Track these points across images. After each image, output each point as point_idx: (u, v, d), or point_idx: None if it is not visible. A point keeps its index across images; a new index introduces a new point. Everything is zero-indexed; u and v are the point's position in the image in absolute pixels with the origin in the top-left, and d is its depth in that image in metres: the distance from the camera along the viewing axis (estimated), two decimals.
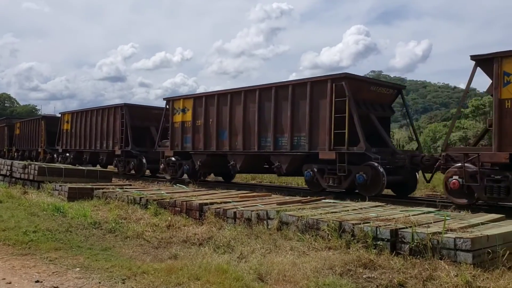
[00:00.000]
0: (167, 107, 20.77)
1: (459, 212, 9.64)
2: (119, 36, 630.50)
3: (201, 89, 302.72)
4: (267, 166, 17.78)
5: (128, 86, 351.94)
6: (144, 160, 22.66)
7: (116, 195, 11.96)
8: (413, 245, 6.25)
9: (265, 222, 8.28)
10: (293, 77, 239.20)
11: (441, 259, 5.95)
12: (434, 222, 7.32)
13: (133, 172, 23.32)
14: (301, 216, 7.77)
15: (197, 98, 19.18)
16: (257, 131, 16.33)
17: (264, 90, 16.34)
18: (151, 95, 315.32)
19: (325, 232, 7.13)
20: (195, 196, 11.41)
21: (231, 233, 7.89)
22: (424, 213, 8.52)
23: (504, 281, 5.31)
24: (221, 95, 18.05)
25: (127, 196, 11.59)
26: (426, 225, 7.02)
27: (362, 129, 13.65)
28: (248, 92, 16.93)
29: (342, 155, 13.87)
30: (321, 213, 8.12)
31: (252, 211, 8.71)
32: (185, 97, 19.97)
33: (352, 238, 6.79)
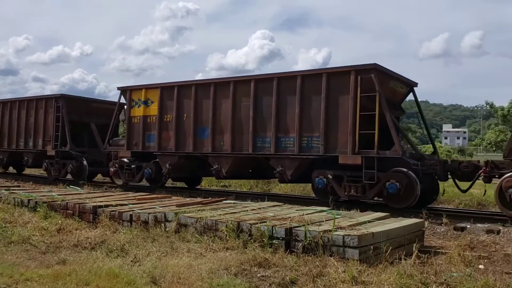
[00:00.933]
0: (122, 98, 17.33)
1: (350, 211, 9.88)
2: (11, 27, 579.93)
3: (101, 86, 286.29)
4: (251, 171, 15.35)
5: (21, 81, 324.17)
6: (85, 162, 18.87)
7: (0, 197, 11.41)
8: (306, 243, 6.53)
9: (163, 224, 8.20)
10: (199, 77, 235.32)
11: (331, 256, 6.26)
12: (326, 220, 7.55)
13: (70, 176, 19.39)
14: (200, 217, 7.81)
15: (166, 89, 16.03)
16: (251, 129, 13.72)
17: (262, 82, 13.79)
18: (47, 91, 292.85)
19: (224, 233, 7.22)
20: (89, 198, 10.84)
21: (126, 236, 7.77)
22: (317, 212, 8.81)
23: (386, 275, 5.60)
24: (200, 86, 15.16)
25: (14, 198, 11.10)
26: (318, 223, 7.27)
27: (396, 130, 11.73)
28: (239, 83, 14.27)
29: (371, 160, 11.80)
30: (220, 214, 8.19)
31: (149, 213, 8.58)
32: (149, 87, 16.67)
33: (249, 238, 6.95)
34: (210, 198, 11.46)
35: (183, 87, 15.54)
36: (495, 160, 11.45)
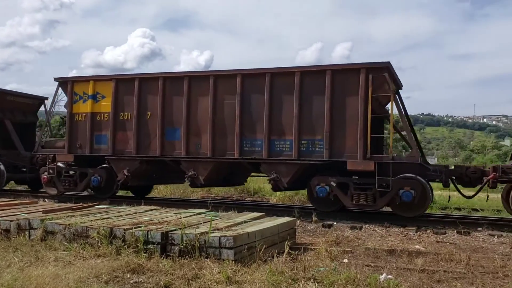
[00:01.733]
0: (61, 91, 14.49)
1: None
2: None
3: None
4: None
5: None
6: (2, 167, 15.49)
7: None
8: (182, 246, 6.49)
9: (27, 232, 7.71)
10: (73, 74, 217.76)
11: (207, 258, 6.30)
12: (203, 222, 7.57)
13: None
14: (69, 224, 7.44)
15: (122, 81, 13.60)
16: (238, 131, 12.08)
17: (251, 77, 12.22)
18: None
19: (95, 239, 6.95)
20: None
21: None
22: (195, 214, 8.76)
23: (259, 274, 5.76)
24: (170, 79, 13.06)
25: None
26: (196, 225, 7.28)
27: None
28: (222, 78, 12.50)
29: (384, 166, 10.90)
30: (91, 220, 7.85)
31: (11, 220, 7.98)
32: (99, 79, 14.06)
33: (123, 244, 6.73)
34: (81, 203, 10.75)
35: (146, 80, 13.29)
36: (503, 166, 11.27)
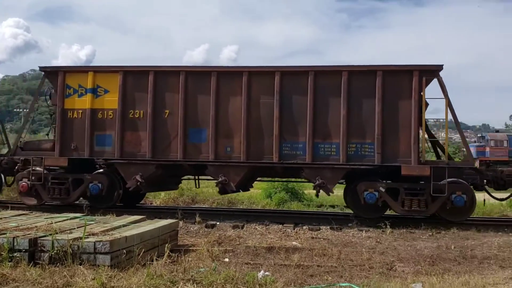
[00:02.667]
0: (47, 83, 12.20)
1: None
2: None
3: None
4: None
5: None
6: None
7: None
8: (53, 253, 6.19)
9: None
10: None
11: (81, 264, 6.07)
12: (77, 227, 7.22)
13: None
14: None
15: (133, 74, 11.80)
16: (277, 133, 11.09)
17: (291, 75, 11.30)
18: None
19: None
20: None
21: None
22: (69, 219, 8.40)
23: (137, 278, 5.68)
24: (193, 74, 11.60)
25: None
26: (69, 231, 6.96)
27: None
28: (257, 74, 11.39)
29: (439, 171, 10.68)
30: None
31: None
32: (100, 70, 12.03)
33: None
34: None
35: (163, 74, 11.66)
36: None
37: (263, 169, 11.57)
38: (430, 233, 9.95)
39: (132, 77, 11.74)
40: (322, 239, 9.25)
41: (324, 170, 10.99)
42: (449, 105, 10.85)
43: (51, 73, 12.09)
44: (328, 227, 10.40)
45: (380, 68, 11.01)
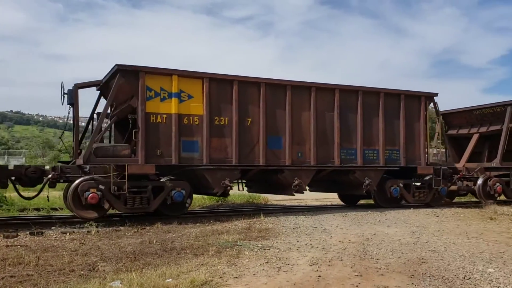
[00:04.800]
0: (121, 83, 11.11)
1: None
2: None
3: None
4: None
5: None
6: None
7: None
8: None
9: None
10: None
11: None
12: None
13: None
14: None
15: (218, 82, 11.93)
16: (338, 141, 13.25)
17: (347, 93, 13.55)
18: None
19: None
20: None
21: None
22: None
23: None
24: (271, 86, 12.56)
25: None
26: None
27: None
28: (322, 90, 13.20)
29: (439, 170, 14.72)
30: None
31: None
32: (185, 74, 11.63)
33: None
34: None
35: (246, 84, 12.23)
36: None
37: (331, 173, 13.41)
38: (135, 230, 10.09)
39: (217, 84, 11.92)
40: (19, 246, 8.43)
41: (370, 171, 13.71)
42: (440, 122, 15.05)
43: (130, 72, 11.12)
44: (28, 232, 9.63)
45: (403, 93, 14.36)
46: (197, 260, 6.89)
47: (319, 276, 6.07)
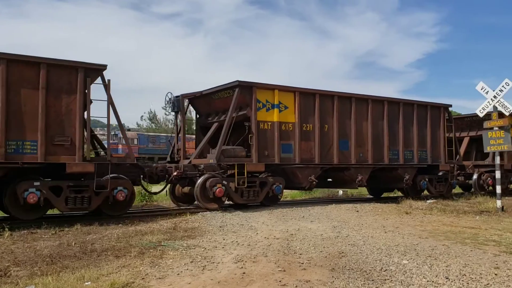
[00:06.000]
0: (239, 96, 13.25)
1: None
2: None
3: None
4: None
5: None
6: None
7: None
8: None
9: None
10: None
11: None
12: None
13: None
14: None
15: (304, 94, 14.37)
16: (387, 144, 16.20)
17: (392, 104, 16.49)
18: None
19: None
20: None
21: None
22: None
23: None
24: (340, 98, 15.21)
25: None
26: None
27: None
28: (375, 102, 16.05)
29: (453, 166, 18.19)
30: None
31: None
32: (282, 88, 13.96)
33: None
34: None
35: (324, 97, 14.80)
36: None
37: (379, 170, 16.29)
38: (53, 232, 9.65)
39: (304, 97, 14.38)
40: None
41: (409, 168, 16.79)
42: (452, 129, 18.45)
43: (246, 87, 13.32)
44: None
45: (429, 104, 17.61)
46: (118, 262, 6.74)
47: (244, 273, 6.16)
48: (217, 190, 12.72)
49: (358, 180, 15.36)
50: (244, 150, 13.47)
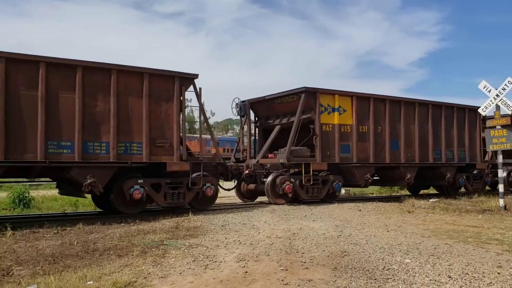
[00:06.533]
0: (305, 101, 14.41)
1: None
2: None
3: None
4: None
5: None
6: None
7: None
8: None
9: None
10: None
11: None
12: None
13: None
14: None
15: (360, 99, 15.57)
16: (432, 144, 17.38)
17: (435, 108, 17.67)
18: None
19: None
20: None
21: None
22: None
23: None
24: (392, 102, 16.42)
25: None
26: None
27: None
28: (420, 105, 17.25)
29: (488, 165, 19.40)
30: None
31: None
32: (341, 93, 15.15)
33: None
34: None
35: (377, 100, 16.00)
36: None
37: (423, 168, 17.45)
38: (56, 231, 9.67)
39: (359, 101, 15.57)
40: None
41: (450, 167, 17.97)
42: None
43: (311, 93, 14.50)
44: None
45: (466, 107, 18.81)
46: (120, 261, 6.74)
47: (246, 272, 6.14)
48: (286, 186, 13.92)
49: (407, 178, 16.55)
50: (308, 150, 14.62)
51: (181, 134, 12.28)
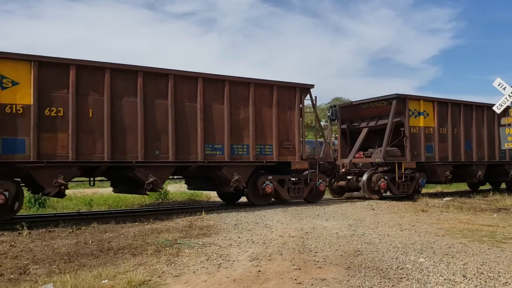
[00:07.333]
0: (396, 106, 16.09)
1: None
2: None
3: None
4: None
5: None
6: None
7: None
8: None
9: None
10: None
11: None
12: None
13: None
14: None
15: (439, 103, 17.31)
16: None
17: (467, 108, 18.51)
18: None
19: None
20: None
21: None
22: None
23: None
24: (465, 106, 18.15)
25: None
26: None
27: None
28: (488, 108, 18.72)
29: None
30: None
31: None
32: (425, 99, 16.96)
33: None
34: None
35: (454, 105, 17.74)
36: None
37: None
38: (71, 230, 9.76)
39: (439, 105, 17.24)
40: None
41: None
42: None
43: (402, 99, 16.21)
44: None
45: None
46: (135, 260, 6.79)
47: (259, 271, 6.15)
48: (382, 183, 15.60)
49: (479, 175, 18.23)
50: (399, 150, 16.29)
51: (301, 138, 14.06)
